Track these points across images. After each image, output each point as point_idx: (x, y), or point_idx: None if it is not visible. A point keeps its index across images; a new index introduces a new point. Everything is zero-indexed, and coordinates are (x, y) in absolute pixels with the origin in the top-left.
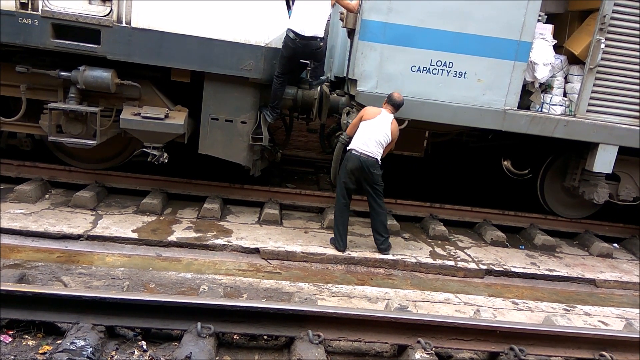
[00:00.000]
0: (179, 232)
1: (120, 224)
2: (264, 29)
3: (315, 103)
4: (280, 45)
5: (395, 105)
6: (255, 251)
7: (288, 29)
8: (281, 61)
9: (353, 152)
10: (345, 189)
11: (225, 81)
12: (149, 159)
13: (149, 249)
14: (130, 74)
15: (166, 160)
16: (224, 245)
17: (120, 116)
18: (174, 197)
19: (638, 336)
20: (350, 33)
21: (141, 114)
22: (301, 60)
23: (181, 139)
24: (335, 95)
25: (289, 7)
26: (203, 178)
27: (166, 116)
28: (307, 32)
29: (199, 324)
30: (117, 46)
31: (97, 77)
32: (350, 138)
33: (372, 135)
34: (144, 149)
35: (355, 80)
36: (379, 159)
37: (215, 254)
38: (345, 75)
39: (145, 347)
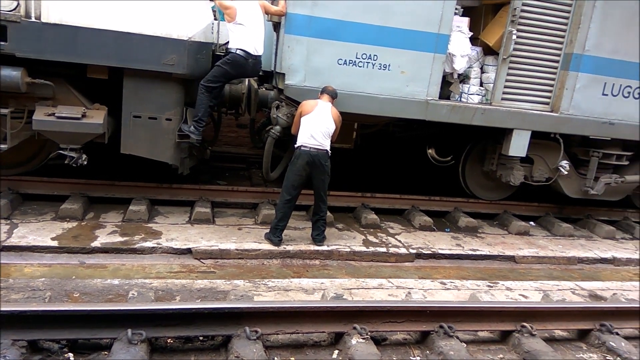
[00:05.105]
0: (104, 237)
1: (38, 232)
2: (187, 22)
3: (244, 98)
4: (204, 39)
5: (330, 94)
6: (187, 252)
7: (237, 48)
8: (220, 76)
9: (302, 148)
10: (292, 187)
11: (146, 77)
12: (66, 162)
13: (71, 257)
14: (43, 72)
15: (85, 162)
16: (154, 247)
17: (33, 117)
18: (96, 201)
19: (555, 306)
20: (276, 26)
21: (56, 114)
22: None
23: (101, 139)
24: (264, 89)
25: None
26: (128, 179)
27: (83, 115)
28: (259, 51)
29: (129, 330)
30: (26, 43)
31: (5, 76)
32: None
33: (316, 128)
34: (61, 151)
35: (283, 74)
36: (328, 149)
37: (144, 258)
38: (273, 68)
39: (72, 359)
